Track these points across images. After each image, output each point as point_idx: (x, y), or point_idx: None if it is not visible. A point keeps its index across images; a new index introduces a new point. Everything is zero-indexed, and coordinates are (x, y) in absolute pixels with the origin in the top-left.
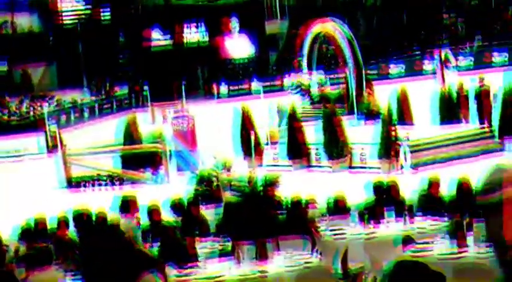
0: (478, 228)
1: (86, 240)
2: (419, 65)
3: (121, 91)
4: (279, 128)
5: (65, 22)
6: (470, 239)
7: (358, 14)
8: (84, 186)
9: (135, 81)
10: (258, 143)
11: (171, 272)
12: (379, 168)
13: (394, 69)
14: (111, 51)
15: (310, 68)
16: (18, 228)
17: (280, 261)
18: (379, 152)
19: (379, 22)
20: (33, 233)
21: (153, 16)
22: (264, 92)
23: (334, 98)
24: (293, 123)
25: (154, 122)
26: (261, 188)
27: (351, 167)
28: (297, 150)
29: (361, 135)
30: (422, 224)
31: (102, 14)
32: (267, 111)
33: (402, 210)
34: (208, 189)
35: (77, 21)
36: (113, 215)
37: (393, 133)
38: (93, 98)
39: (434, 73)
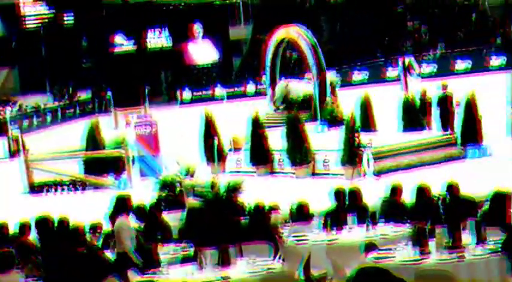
0: (440, 235)
1: (48, 246)
2: (382, 72)
3: (84, 96)
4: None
5: (28, 26)
6: (432, 246)
7: (322, 20)
8: (47, 191)
9: (98, 86)
10: (221, 149)
11: (134, 277)
12: (342, 174)
13: (357, 75)
14: (74, 55)
15: (273, 74)
16: None
17: (243, 267)
18: (342, 159)
19: (343, 29)
20: None
21: (116, 21)
22: (228, 97)
23: (297, 105)
24: (256, 129)
25: (117, 127)
26: (224, 194)
27: (314, 174)
28: (260, 157)
29: (325, 141)
30: (385, 230)
31: (65, 18)
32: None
33: (365, 216)
34: (171, 194)
35: (40, 25)
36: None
37: (356, 140)
38: (56, 102)
39: (397, 80)
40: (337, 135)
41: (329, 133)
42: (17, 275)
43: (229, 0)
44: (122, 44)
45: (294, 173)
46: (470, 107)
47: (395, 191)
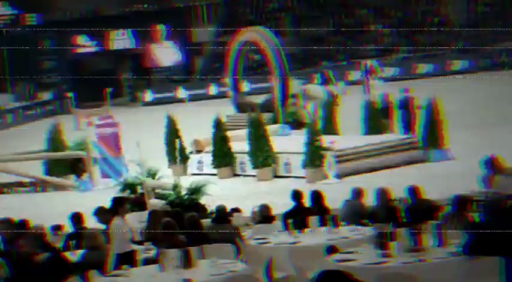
0: (402, 237)
1: (10, 247)
2: (345, 75)
3: (46, 96)
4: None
5: None
6: (394, 248)
7: (286, 23)
8: (7, 193)
9: (60, 86)
10: (184, 151)
11: (96, 279)
12: (304, 177)
13: (320, 78)
14: (37, 56)
15: (236, 76)
16: None
17: (206, 268)
18: (304, 161)
19: (306, 31)
20: None
21: (81, 22)
22: (190, 99)
23: (260, 107)
24: (219, 131)
25: (80, 128)
26: (187, 196)
27: (276, 176)
28: (223, 159)
29: (287, 144)
30: (347, 232)
31: (29, 18)
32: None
33: (327, 219)
34: (133, 196)
35: (2, 25)
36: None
37: (318, 142)
38: (18, 103)
39: (360, 83)
40: (300, 138)
41: (292, 136)
42: None
43: (192, 2)
44: (86, 45)
45: (256, 176)
46: (432, 110)
47: (358, 193)
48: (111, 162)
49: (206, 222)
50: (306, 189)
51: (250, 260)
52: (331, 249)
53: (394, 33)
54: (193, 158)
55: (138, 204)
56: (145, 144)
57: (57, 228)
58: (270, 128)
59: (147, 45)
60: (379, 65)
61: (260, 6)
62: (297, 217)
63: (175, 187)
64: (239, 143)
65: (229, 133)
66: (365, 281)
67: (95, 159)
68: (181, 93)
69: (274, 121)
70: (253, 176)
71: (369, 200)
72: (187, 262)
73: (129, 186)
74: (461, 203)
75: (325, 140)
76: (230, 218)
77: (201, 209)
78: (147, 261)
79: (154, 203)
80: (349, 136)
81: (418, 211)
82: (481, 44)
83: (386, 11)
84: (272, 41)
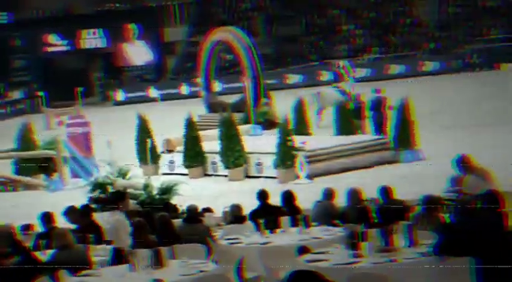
0: (373, 238)
1: None
2: (317, 75)
3: (17, 95)
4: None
5: None
6: (365, 248)
7: (259, 23)
8: None
9: (31, 85)
10: (154, 151)
11: (66, 278)
12: (276, 177)
13: (292, 78)
14: (7, 55)
15: (208, 76)
16: None
17: (176, 268)
18: (276, 161)
19: (278, 32)
20: None
21: (52, 21)
22: (162, 99)
23: (232, 107)
24: (190, 131)
25: (50, 128)
26: (158, 196)
27: (247, 176)
28: (194, 159)
29: (259, 144)
30: (318, 233)
31: None
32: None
33: (299, 219)
34: (103, 196)
35: None
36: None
37: (290, 143)
38: None
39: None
40: (272, 138)
41: (263, 136)
42: None
43: (164, 2)
44: (57, 44)
45: (227, 176)
46: (404, 111)
47: (329, 194)
48: (82, 161)
49: (177, 222)
50: (278, 190)
51: (221, 260)
52: (303, 250)
53: (366, 34)
54: (165, 158)
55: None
56: (116, 143)
57: (27, 227)
58: (242, 128)
59: (118, 44)
60: (351, 65)
61: (232, 6)
62: (263, 216)
63: (146, 187)
64: (211, 142)
65: (200, 133)
66: (336, 281)
67: (65, 159)
68: (153, 92)
69: (246, 121)
70: (225, 176)
71: (340, 201)
72: (157, 262)
73: (100, 186)
74: (430, 203)
75: (297, 140)
76: (201, 218)
77: (172, 209)
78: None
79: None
80: (321, 136)
81: (389, 211)
82: (452, 45)
83: (359, 11)
84: (244, 40)
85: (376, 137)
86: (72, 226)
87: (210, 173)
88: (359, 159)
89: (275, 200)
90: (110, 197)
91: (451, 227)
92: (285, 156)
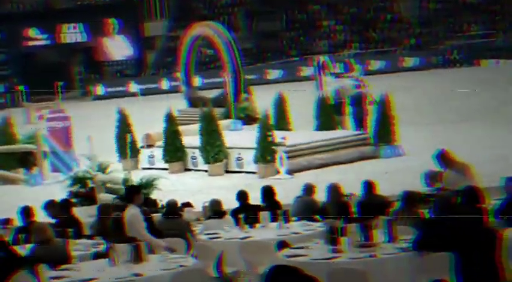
0: (353, 233)
1: None
2: (298, 71)
3: None
4: None
5: None
6: (344, 243)
7: (239, 18)
8: None
9: (11, 79)
10: (134, 145)
11: (46, 272)
12: (256, 172)
13: (272, 74)
14: None
15: (188, 71)
16: None
17: (156, 263)
18: (256, 157)
19: (259, 27)
20: None
21: (32, 15)
22: (142, 93)
23: (212, 102)
24: (170, 126)
25: (30, 122)
26: None
27: (227, 171)
28: (174, 153)
29: (239, 139)
30: (298, 228)
31: None
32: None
33: (278, 214)
34: (83, 190)
35: None
36: None
37: (270, 138)
38: None
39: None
40: (252, 133)
41: (243, 131)
42: None
43: None
44: (37, 38)
45: (207, 171)
46: (384, 107)
47: (309, 189)
48: (62, 156)
49: (157, 216)
50: (258, 185)
51: (201, 254)
52: (282, 245)
53: (346, 30)
54: (145, 153)
55: (88, 198)
56: (97, 138)
57: (6, 221)
58: (222, 123)
59: (99, 39)
60: (331, 61)
61: (213, 1)
62: (241, 212)
63: (126, 181)
64: (191, 137)
65: (181, 128)
66: (315, 276)
67: (45, 153)
68: (133, 87)
69: (227, 116)
70: (205, 170)
71: (320, 196)
72: (137, 257)
73: (80, 180)
74: (410, 199)
75: (277, 135)
76: (181, 212)
77: (152, 204)
78: (97, 256)
79: (104, 197)
80: (301, 132)
81: (369, 206)
82: (433, 41)
83: (339, 7)
84: (224, 35)
85: (357, 132)
86: (52, 220)
87: (190, 167)
88: (339, 155)
89: (255, 195)
90: (125, 191)
91: (430, 222)
92: (265, 152)
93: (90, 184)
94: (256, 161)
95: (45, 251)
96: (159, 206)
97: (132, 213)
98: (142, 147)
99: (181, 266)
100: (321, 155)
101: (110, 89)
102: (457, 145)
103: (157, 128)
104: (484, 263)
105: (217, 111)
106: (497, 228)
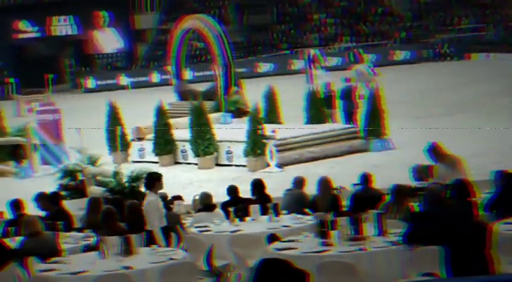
0: (343, 226)
1: None
2: (288, 64)
3: None
4: None
5: None
6: (335, 237)
7: (230, 11)
8: None
9: (1, 72)
10: (124, 138)
11: (36, 265)
12: (246, 166)
13: (263, 67)
14: None
15: (179, 64)
16: None
17: (146, 256)
18: (246, 150)
19: (249, 20)
20: None
21: (22, 7)
22: (133, 86)
23: (203, 95)
24: (160, 119)
25: (20, 115)
26: (127, 183)
27: (217, 164)
28: (164, 146)
29: (229, 132)
30: (288, 221)
31: None
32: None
33: (269, 207)
34: (73, 183)
35: None
36: None
37: (260, 131)
38: None
39: (303, 72)
40: (242, 127)
41: (234, 124)
42: None
43: None
44: (28, 30)
45: (197, 164)
46: (374, 100)
47: (299, 182)
48: (52, 148)
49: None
50: (248, 178)
51: (191, 247)
52: (272, 238)
53: (337, 23)
54: (135, 146)
55: (78, 191)
56: (87, 131)
57: None
58: (212, 116)
59: (89, 31)
60: (321, 54)
61: None
62: (231, 206)
63: (116, 174)
64: (181, 130)
65: (171, 121)
66: (305, 270)
67: (35, 146)
68: (124, 80)
69: (217, 109)
70: (195, 164)
71: (311, 189)
72: (127, 249)
73: (70, 173)
74: (399, 192)
75: (267, 128)
76: (171, 205)
77: (142, 197)
78: (87, 249)
79: (94, 190)
80: (291, 125)
81: (364, 199)
82: (423, 34)
83: (330, 0)
84: (215, 28)
85: (347, 125)
86: (42, 213)
87: (180, 161)
88: (329, 148)
89: (245, 188)
90: (146, 178)
91: (420, 216)
92: (255, 145)
93: (80, 177)
94: (246, 155)
95: (35, 244)
96: None
97: (150, 200)
98: (132, 140)
99: (171, 258)
100: (311, 149)
101: (100, 82)
102: (447, 138)
103: (148, 121)
104: (473, 256)
105: (208, 104)
106: (486, 222)
